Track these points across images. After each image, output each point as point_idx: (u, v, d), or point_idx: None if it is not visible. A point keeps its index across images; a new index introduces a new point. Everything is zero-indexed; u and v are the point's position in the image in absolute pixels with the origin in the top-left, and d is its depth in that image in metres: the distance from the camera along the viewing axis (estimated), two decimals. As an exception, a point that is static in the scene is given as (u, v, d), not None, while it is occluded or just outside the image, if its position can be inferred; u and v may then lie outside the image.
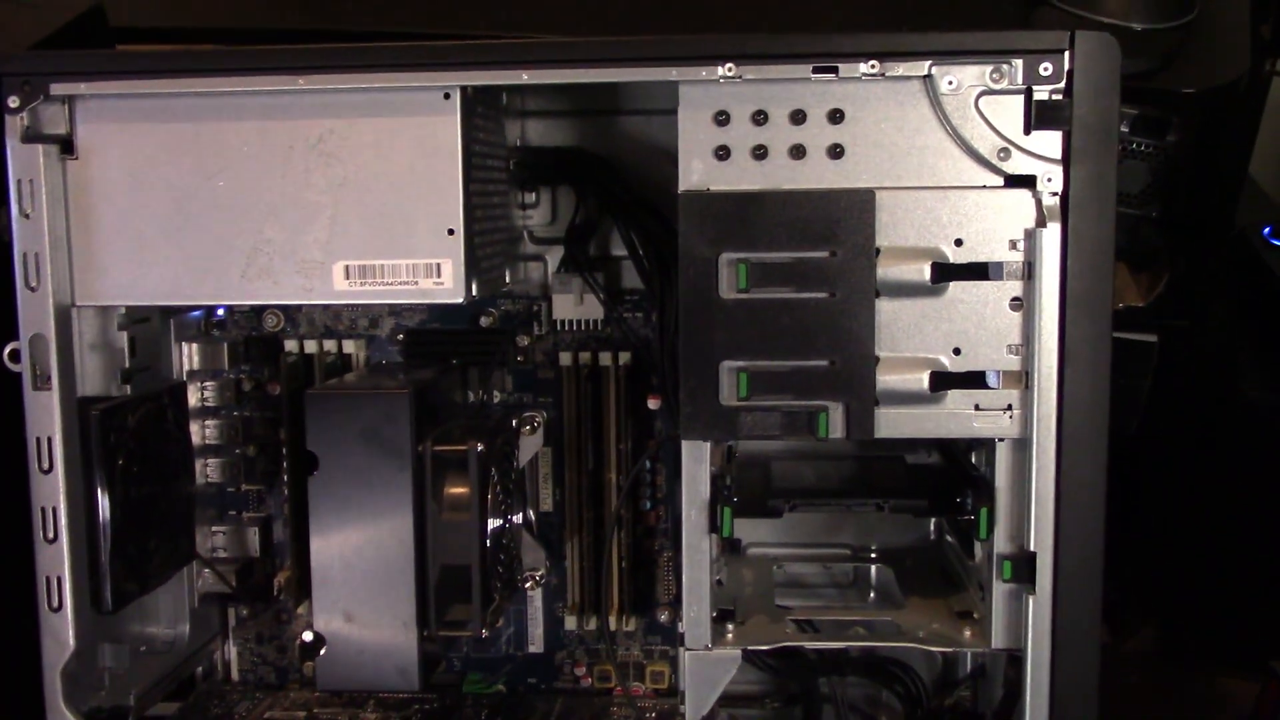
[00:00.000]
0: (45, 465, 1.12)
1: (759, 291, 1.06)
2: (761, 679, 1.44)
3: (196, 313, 1.37)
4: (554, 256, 1.37)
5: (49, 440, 1.12)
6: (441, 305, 1.37)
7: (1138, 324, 1.48)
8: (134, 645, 1.27)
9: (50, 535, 1.13)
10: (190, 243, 1.12)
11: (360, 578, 1.17)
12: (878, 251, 1.06)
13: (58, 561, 1.13)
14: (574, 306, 1.34)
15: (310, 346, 1.37)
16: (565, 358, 1.35)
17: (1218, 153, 1.50)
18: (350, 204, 1.10)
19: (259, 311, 1.38)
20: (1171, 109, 1.44)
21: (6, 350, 1.13)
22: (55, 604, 1.14)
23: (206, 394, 1.38)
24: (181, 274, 1.13)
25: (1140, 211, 1.49)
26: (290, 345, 1.37)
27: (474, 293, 1.12)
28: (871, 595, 1.38)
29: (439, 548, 1.17)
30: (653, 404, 1.35)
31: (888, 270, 1.06)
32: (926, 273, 1.06)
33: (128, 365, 1.23)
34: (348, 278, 1.11)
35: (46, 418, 1.12)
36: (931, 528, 1.41)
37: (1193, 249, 1.54)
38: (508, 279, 1.32)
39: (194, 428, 1.36)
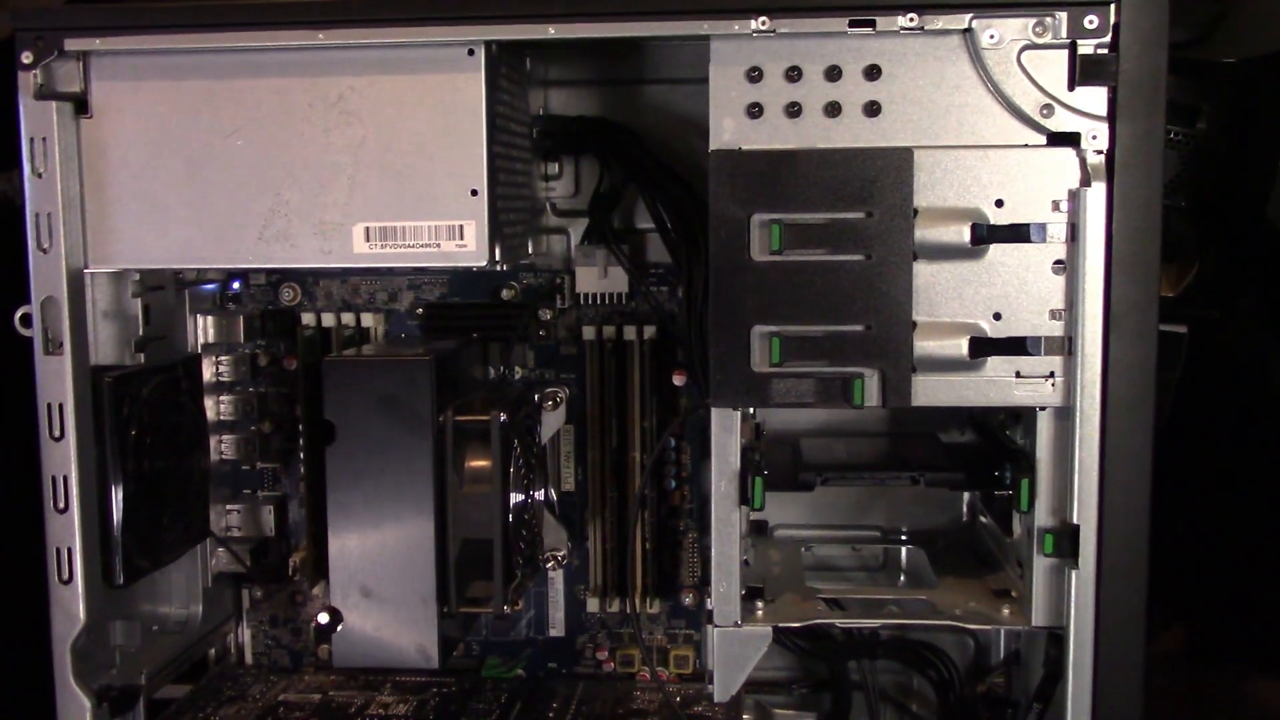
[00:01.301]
0: (56, 432, 1.09)
1: (792, 253, 1.03)
2: (789, 665, 1.40)
3: (211, 285, 1.35)
4: (577, 230, 1.34)
5: (60, 407, 1.09)
6: (462, 278, 1.34)
7: (1167, 315, 1.44)
8: (146, 624, 1.24)
9: (61, 505, 1.10)
10: (206, 204, 1.09)
11: (378, 552, 1.13)
12: (915, 212, 1.02)
13: (68, 532, 1.10)
14: (598, 280, 1.31)
15: (328, 320, 1.34)
16: (589, 332, 1.32)
17: (1251, 138, 1.47)
18: (370, 164, 1.07)
19: (275, 285, 1.35)
20: (1202, 96, 1.41)
21: (18, 314, 1.10)
22: (65, 576, 1.10)
23: (221, 368, 1.35)
24: (197, 236, 1.10)
25: (1169, 201, 1.45)
26: (307, 318, 1.34)
27: (497, 257, 1.09)
28: (902, 579, 1.34)
29: (460, 521, 1.14)
30: (678, 380, 1.32)
31: (926, 232, 1.02)
32: (966, 234, 1.02)
33: (141, 334, 1.20)
34: (368, 240, 1.08)
35: (58, 383, 1.09)
36: (964, 509, 1.37)
37: (1223, 239, 1.51)
38: (530, 250, 1.29)
39: (208, 403, 1.33)
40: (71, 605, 1.11)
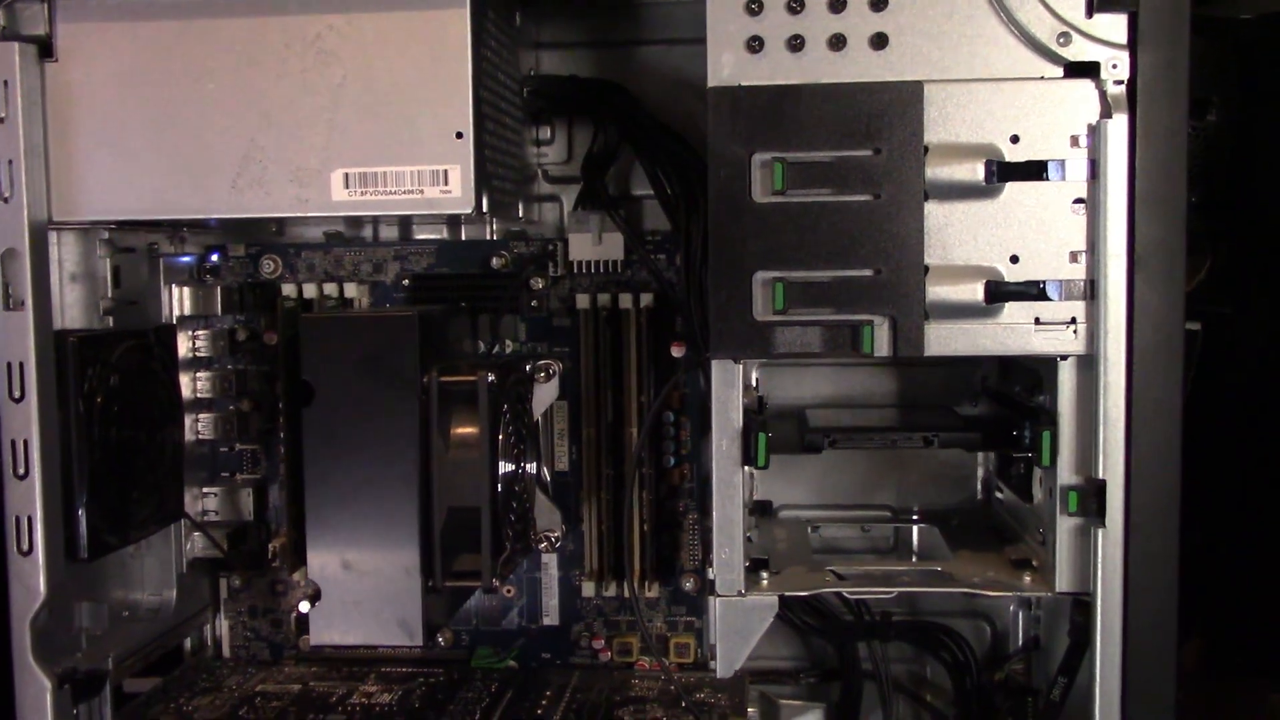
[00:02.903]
0: (17, 393, 1.03)
1: (796, 194, 0.97)
2: (795, 654, 1.33)
3: (188, 256, 1.29)
4: (569, 197, 1.29)
5: (21, 366, 1.03)
6: (450, 249, 1.28)
7: (1179, 312, 1.40)
8: (115, 608, 1.17)
9: (21, 471, 1.03)
10: (177, 152, 1.04)
11: (359, 521, 1.07)
12: (926, 149, 0.97)
13: (28, 500, 1.03)
14: (592, 246, 1.25)
15: (310, 292, 1.28)
16: (583, 300, 1.25)
17: (1262, 128, 1.42)
18: (350, 107, 1.02)
19: (255, 257, 1.30)
20: (1212, 86, 1.37)
21: (-24, 272, 1.04)
22: (25, 547, 1.04)
23: (198, 343, 1.28)
24: (167, 186, 1.04)
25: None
26: (288, 291, 1.28)
27: (484, 206, 1.03)
28: (914, 560, 1.27)
29: (446, 488, 1.07)
30: (676, 352, 1.25)
31: (937, 170, 0.97)
32: (980, 172, 0.97)
33: (110, 296, 1.14)
34: (347, 186, 1.02)
35: (19, 341, 1.03)
36: (979, 486, 1.31)
37: (1235, 235, 1.46)
38: (520, 214, 1.23)
39: (184, 379, 1.27)
40: (31, 578, 1.04)
